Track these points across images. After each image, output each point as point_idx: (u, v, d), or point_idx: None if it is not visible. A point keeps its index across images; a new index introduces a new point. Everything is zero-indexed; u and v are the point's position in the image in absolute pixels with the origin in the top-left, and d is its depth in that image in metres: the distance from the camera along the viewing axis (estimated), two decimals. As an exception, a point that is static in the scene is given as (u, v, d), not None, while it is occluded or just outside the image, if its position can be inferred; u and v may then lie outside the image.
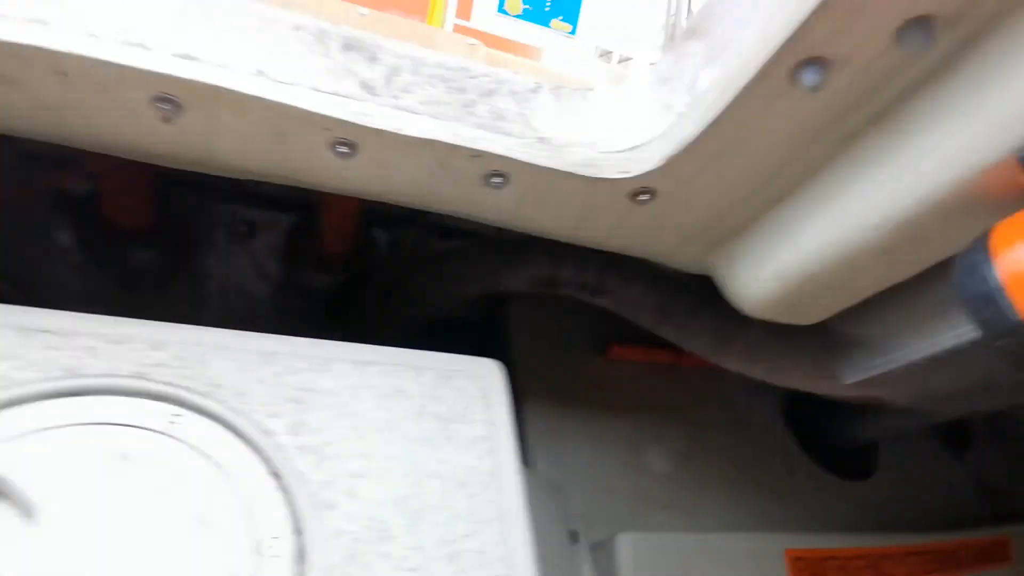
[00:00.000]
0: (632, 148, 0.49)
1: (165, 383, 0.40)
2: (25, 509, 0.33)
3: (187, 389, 0.40)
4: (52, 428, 0.36)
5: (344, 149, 0.43)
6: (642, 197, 0.50)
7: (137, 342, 0.41)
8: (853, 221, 0.45)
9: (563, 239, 0.58)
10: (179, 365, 0.41)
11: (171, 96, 0.39)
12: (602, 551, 0.70)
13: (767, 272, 0.52)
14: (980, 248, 0.36)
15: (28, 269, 0.79)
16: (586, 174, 0.48)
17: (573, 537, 0.71)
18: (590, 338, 0.94)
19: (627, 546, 0.68)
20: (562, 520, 0.71)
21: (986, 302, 0.35)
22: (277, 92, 0.40)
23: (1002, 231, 0.37)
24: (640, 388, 0.93)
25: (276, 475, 0.39)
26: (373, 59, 0.45)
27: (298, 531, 0.37)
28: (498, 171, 0.47)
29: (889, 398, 0.63)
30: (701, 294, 0.72)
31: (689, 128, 0.45)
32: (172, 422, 0.38)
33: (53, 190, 0.72)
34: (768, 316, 0.54)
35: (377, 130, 0.42)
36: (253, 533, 0.36)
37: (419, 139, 0.43)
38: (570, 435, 0.84)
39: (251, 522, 0.36)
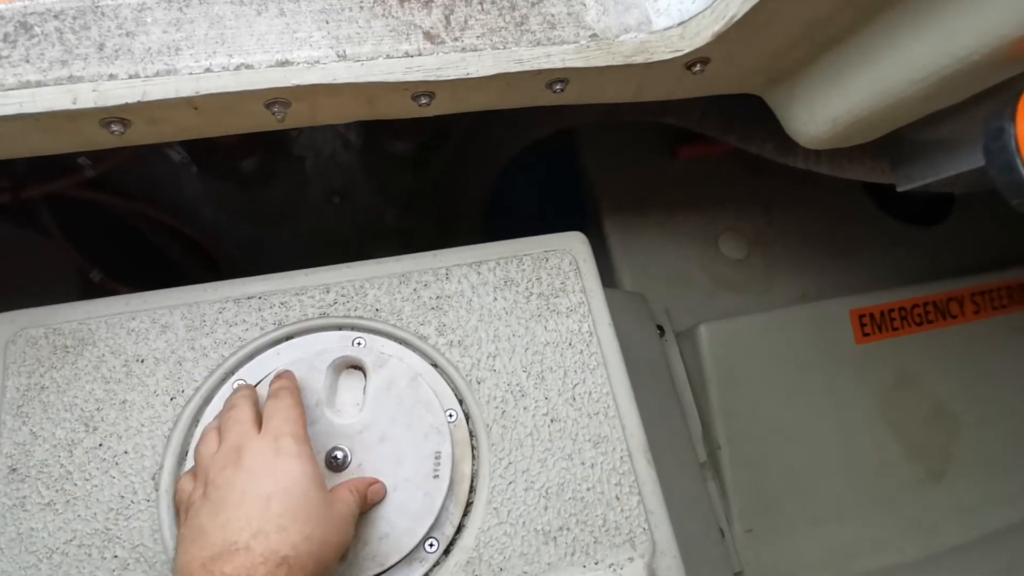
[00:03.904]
0: (681, 24, 0.51)
1: (342, 317, 0.53)
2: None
3: (359, 318, 0.53)
4: (288, 364, 0.51)
5: (424, 100, 0.49)
6: (696, 67, 0.53)
7: (311, 291, 0.54)
8: (898, 73, 0.47)
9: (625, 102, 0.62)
10: (346, 300, 0.54)
11: (280, 99, 0.45)
12: (686, 339, 0.85)
13: (820, 115, 0.55)
14: (1008, 115, 0.39)
15: (160, 187, 0.92)
16: (640, 62, 0.51)
17: (660, 331, 0.86)
18: (657, 144, 0.99)
19: (707, 333, 0.82)
20: (649, 320, 0.85)
21: (1008, 169, 0.39)
22: (360, 72, 0.45)
23: (1035, 95, 0.39)
24: (710, 181, 0.99)
25: (436, 366, 0.54)
26: (427, 2, 0.48)
27: (461, 401, 0.53)
28: (559, 79, 0.51)
29: (943, 191, 0.67)
30: (763, 105, 0.74)
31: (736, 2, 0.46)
32: (359, 343, 0.53)
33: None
34: (825, 147, 0.59)
35: (449, 81, 0.47)
36: (438, 406, 0.51)
37: (486, 77, 0.48)
38: (649, 241, 0.94)
39: (433, 399, 0.52)
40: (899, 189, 0.65)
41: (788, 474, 0.83)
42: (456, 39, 0.48)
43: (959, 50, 0.42)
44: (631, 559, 0.48)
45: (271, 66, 0.44)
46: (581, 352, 0.55)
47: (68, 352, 0.50)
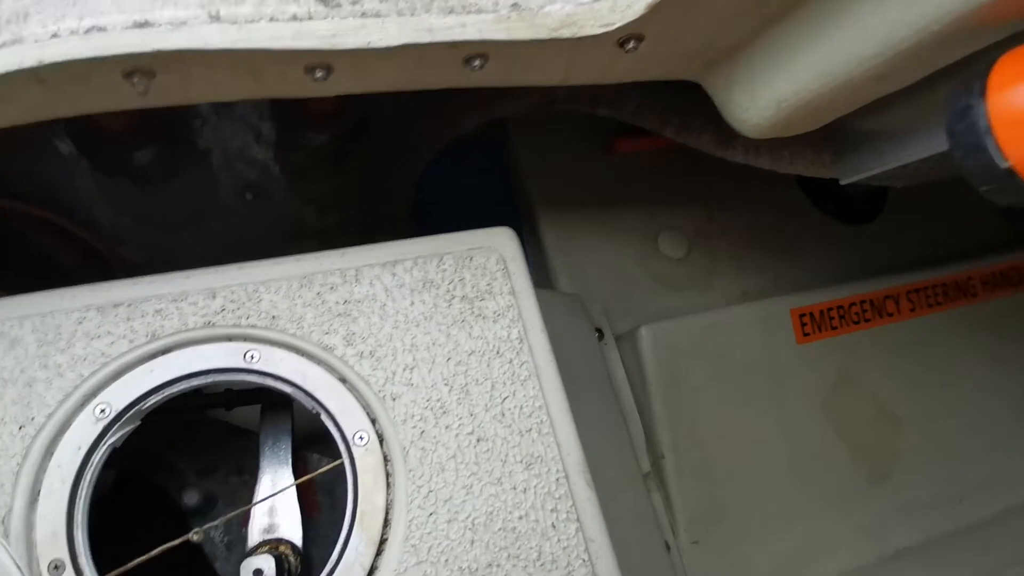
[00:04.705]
0: (613, -6, 0.46)
1: (231, 326, 0.46)
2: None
3: (251, 327, 0.46)
4: (163, 385, 0.43)
5: (320, 73, 0.42)
6: (630, 45, 0.48)
7: (194, 295, 0.46)
8: (850, 50, 0.43)
9: (554, 85, 0.57)
10: (235, 307, 0.46)
11: (140, 68, 0.38)
12: (626, 342, 0.80)
13: (763, 100, 0.51)
14: (975, 90, 0.36)
15: (48, 184, 0.82)
16: (567, 36, 0.46)
17: (600, 334, 0.81)
18: (593, 139, 0.95)
19: (648, 335, 0.78)
20: (587, 323, 0.80)
21: (976, 150, 0.36)
22: (238, 37, 0.38)
23: (1002, 70, 0.36)
24: (648, 176, 0.96)
25: (344, 380, 0.47)
26: (320, -40, 0.41)
27: (373, 421, 0.46)
28: (477, 53, 0.46)
29: (885, 183, 0.65)
30: (701, 95, 0.71)
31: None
32: (252, 356, 0.45)
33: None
34: (767, 136, 0.55)
35: (347, 51, 0.41)
36: (346, 429, 0.45)
37: (392, 48, 0.42)
38: (585, 238, 0.90)
39: (340, 422, 0.45)
40: (842, 182, 0.62)
41: (734, 480, 0.79)
42: (354, 2, 0.41)
43: (917, 20, 0.38)
44: (568, 595, 0.43)
45: (128, 28, 0.37)
46: (511, 361, 0.49)
47: None
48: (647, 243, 0.91)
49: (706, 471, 0.78)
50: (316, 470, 0.59)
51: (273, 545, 0.51)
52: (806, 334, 0.86)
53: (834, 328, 0.89)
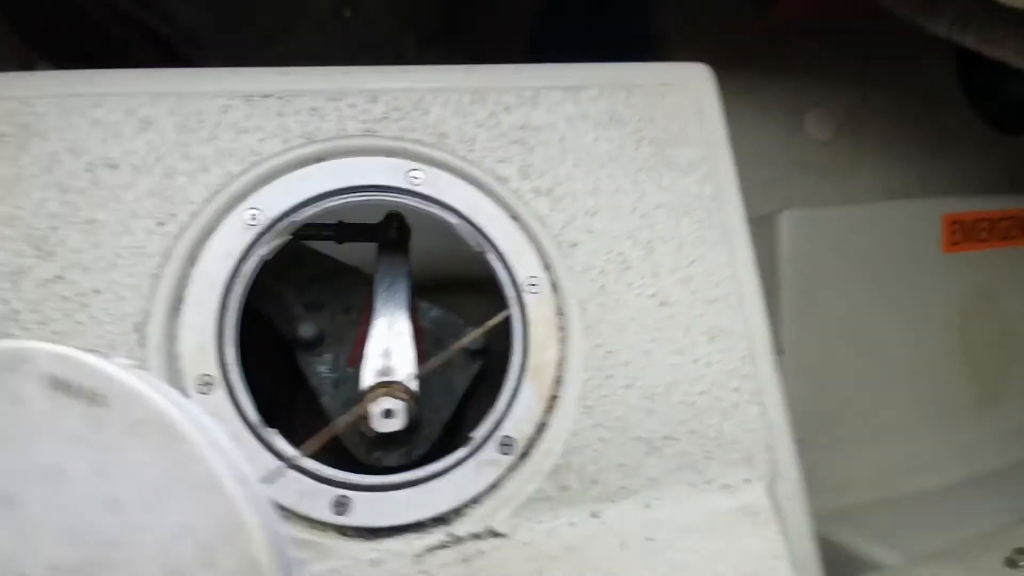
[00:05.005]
0: None
1: (394, 138, 0.39)
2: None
3: (416, 142, 0.39)
4: (318, 197, 0.37)
5: None
6: None
7: (351, 96, 0.39)
8: None
9: None
10: (399, 116, 0.39)
11: None
12: (762, 225, 0.73)
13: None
14: None
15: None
16: None
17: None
18: (751, -11, 0.81)
19: (789, 221, 0.71)
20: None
21: None
22: None
23: None
24: (803, 45, 0.83)
25: (516, 218, 0.40)
26: None
27: (547, 267, 0.40)
28: None
29: None
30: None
31: None
32: (414, 177, 0.39)
33: None
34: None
35: None
36: (516, 272, 0.39)
37: None
38: (729, 105, 0.80)
39: (510, 263, 0.39)
40: None
41: (849, 384, 0.75)
42: None
43: None
44: (748, 480, 0.39)
45: None
46: (700, 221, 0.43)
47: (5, 143, 0.34)
48: (792, 119, 0.81)
49: (823, 371, 0.73)
50: (426, 319, 0.54)
51: (390, 388, 0.47)
52: (954, 243, 0.78)
53: (982, 240, 0.80)
